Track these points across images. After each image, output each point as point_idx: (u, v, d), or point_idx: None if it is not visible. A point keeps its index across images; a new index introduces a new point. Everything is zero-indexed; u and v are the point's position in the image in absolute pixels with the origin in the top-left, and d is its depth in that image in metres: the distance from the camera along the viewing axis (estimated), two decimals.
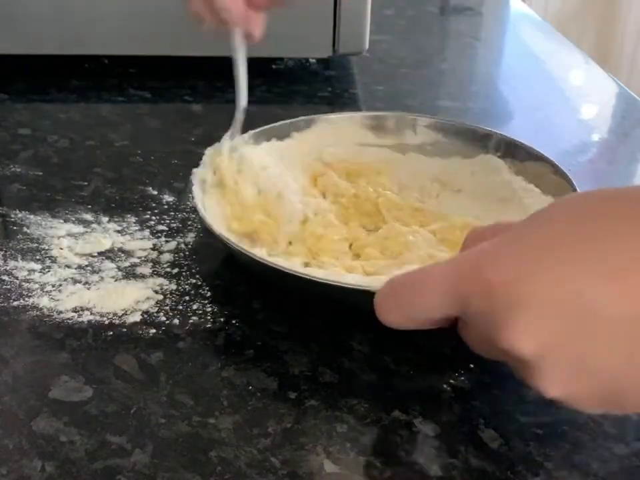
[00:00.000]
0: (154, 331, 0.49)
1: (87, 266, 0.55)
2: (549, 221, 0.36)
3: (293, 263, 0.51)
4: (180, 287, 0.53)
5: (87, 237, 0.58)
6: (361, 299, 0.46)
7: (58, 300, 0.51)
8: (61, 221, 0.60)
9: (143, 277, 0.54)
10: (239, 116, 0.60)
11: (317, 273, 0.48)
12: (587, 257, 0.34)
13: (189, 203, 0.62)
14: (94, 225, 0.60)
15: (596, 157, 0.77)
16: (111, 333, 0.49)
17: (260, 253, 0.51)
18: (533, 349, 0.34)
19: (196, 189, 0.54)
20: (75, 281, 0.53)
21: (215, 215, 0.54)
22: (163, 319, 0.50)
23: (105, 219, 0.60)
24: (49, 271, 0.54)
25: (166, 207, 0.62)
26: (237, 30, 0.57)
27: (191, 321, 0.50)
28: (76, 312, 0.50)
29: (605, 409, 0.36)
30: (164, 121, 0.79)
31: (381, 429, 0.42)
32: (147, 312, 0.50)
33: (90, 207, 0.62)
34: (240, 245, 0.50)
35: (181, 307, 0.51)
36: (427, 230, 0.56)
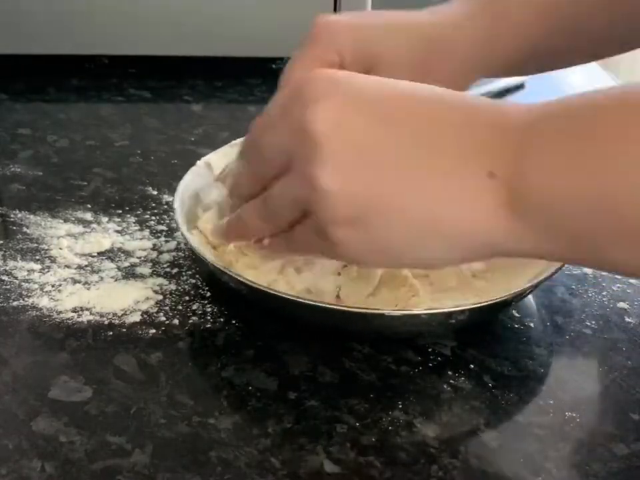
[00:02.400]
0: (154, 331, 0.49)
1: (86, 266, 0.55)
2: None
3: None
4: (180, 287, 0.53)
5: (87, 236, 0.58)
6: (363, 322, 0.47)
7: (58, 300, 0.51)
8: (61, 221, 0.60)
9: (142, 277, 0.54)
10: None
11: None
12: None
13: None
14: (94, 225, 0.59)
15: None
16: (111, 333, 0.48)
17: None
18: (326, 126, 0.37)
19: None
20: (75, 281, 0.53)
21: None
22: (163, 319, 0.50)
23: (104, 219, 0.60)
24: (48, 271, 0.54)
25: (166, 206, 0.62)
26: None
27: (191, 321, 0.50)
28: (76, 312, 0.50)
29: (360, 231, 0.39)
30: (164, 120, 0.79)
31: (380, 429, 0.42)
32: (146, 312, 0.50)
33: (90, 206, 0.62)
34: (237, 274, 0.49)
35: (180, 307, 0.51)
36: None
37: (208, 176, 0.58)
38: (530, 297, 0.53)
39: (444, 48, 0.52)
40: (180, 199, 0.54)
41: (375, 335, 0.49)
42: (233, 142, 0.60)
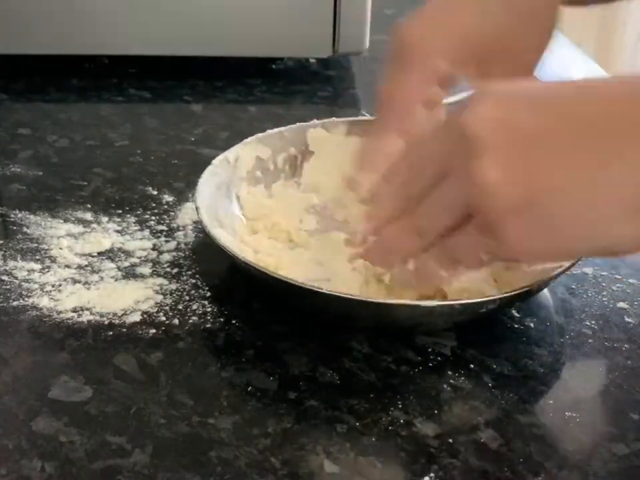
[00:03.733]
0: (154, 330, 0.49)
1: (86, 266, 0.55)
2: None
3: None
4: (180, 287, 0.53)
5: (87, 236, 0.58)
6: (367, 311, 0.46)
7: (58, 300, 0.51)
8: (61, 220, 0.60)
9: (142, 276, 0.54)
10: None
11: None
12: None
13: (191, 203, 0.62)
14: (94, 225, 0.59)
15: None
16: (111, 333, 0.48)
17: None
18: (483, 123, 0.38)
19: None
20: (75, 281, 0.53)
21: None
22: (163, 319, 0.50)
23: (104, 219, 0.60)
24: (48, 271, 0.54)
25: (166, 206, 0.62)
26: None
27: (191, 321, 0.50)
28: (76, 312, 0.50)
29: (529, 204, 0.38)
30: (164, 120, 0.79)
31: (380, 429, 0.42)
32: (146, 312, 0.50)
33: (90, 206, 0.62)
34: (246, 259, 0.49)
35: (180, 307, 0.51)
36: None
37: (228, 171, 0.59)
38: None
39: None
40: (201, 197, 0.54)
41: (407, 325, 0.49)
42: (245, 140, 0.60)
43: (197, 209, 0.53)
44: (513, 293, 0.46)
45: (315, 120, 0.61)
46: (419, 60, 0.50)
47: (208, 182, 0.56)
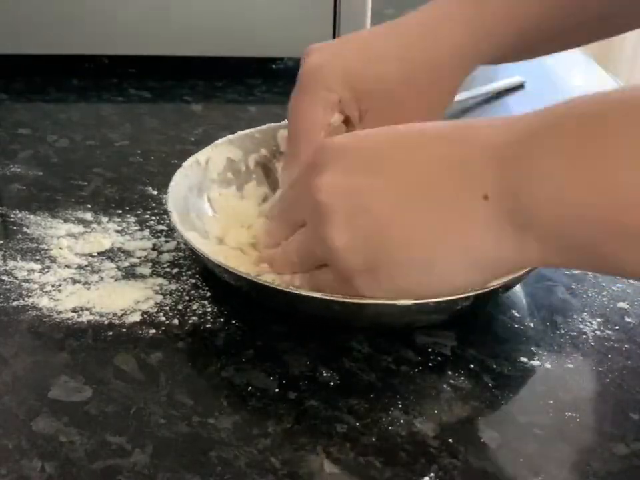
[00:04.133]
0: (154, 331, 0.49)
1: (86, 266, 0.55)
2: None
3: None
4: (180, 287, 0.53)
5: (87, 236, 0.58)
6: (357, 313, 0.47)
7: (58, 300, 0.51)
8: (61, 220, 0.60)
9: (142, 276, 0.54)
10: None
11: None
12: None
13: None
14: (94, 225, 0.59)
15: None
16: (111, 333, 0.48)
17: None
18: (329, 193, 0.43)
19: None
20: (75, 281, 0.53)
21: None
22: (163, 319, 0.50)
23: (104, 219, 0.60)
24: (48, 271, 0.54)
25: (166, 206, 0.62)
26: None
27: (191, 321, 0.50)
28: (76, 312, 0.50)
29: (369, 268, 0.43)
30: (164, 120, 0.79)
31: (380, 429, 0.42)
32: (146, 312, 0.50)
33: (90, 206, 0.62)
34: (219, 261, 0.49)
35: (180, 307, 0.51)
36: None
37: (199, 174, 0.59)
38: (530, 296, 0.53)
39: (429, 50, 0.55)
40: (173, 200, 0.54)
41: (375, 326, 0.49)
42: (216, 142, 0.61)
43: (168, 212, 0.53)
44: (484, 291, 0.45)
45: (286, 120, 0.61)
46: (314, 89, 0.54)
47: (179, 185, 0.56)
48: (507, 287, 0.48)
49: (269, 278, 0.50)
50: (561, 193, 0.37)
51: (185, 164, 0.58)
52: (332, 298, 0.45)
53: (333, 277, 0.45)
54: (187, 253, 0.56)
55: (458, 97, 0.57)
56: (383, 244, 0.42)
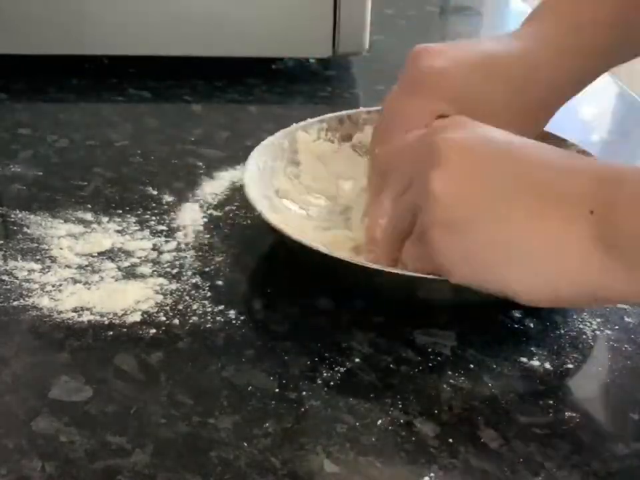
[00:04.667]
0: (154, 330, 0.49)
1: (87, 266, 0.55)
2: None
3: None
4: (180, 287, 0.53)
5: (87, 236, 0.58)
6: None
7: (58, 300, 0.51)
8: (61, 220, 0.60)
9: (143, 276, 0.54)
10: None
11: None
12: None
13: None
14: (94, 225, 0.59)
15: (596, 157, 0.76)
16: (111, 332, 0.48)
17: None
18: (449, 143, 0.44)
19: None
20: (75, 281, 0.53)
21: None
22: (163, 319, 0.50)
23: (105, 219, 0.60)
24: (48, 271, 0.54)
25: (166, 206, 0.62)
26: None
27: (191, 321, 0.50)
28: (76, 312, 0.50)
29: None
30: (164, 120, 0.79)
31: (380, 428, 0.42)
32: (146, 312, 0.50)
33: (90, 206, 0.62)
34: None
35: (180, 307, 0.51)
36: None
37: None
38: None
39: (531, 83, 0.55)
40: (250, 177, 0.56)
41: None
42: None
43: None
44: None
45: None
46: (429, 94, 0.54)
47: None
48: None
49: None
50: None
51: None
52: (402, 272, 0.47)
53: (415, 236, 0.45)
54: (187, 253, 0.56)
55: None
56: (483, 209, 0.42)
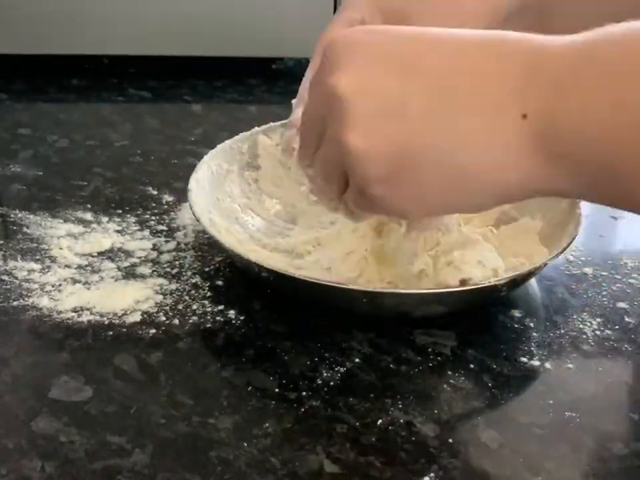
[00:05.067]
0: (154, 330, 0.49)
1: (86, 266, 0.55)
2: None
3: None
4: (180, 287, 0.53)
5: (87, 236, 0.58)
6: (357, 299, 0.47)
7: (58, 300, 0.51)
8: (61, 220, 0.60)
9: (142, 276, 0.54)
10: None
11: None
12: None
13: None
14: (94, 225, 0.59)
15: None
16: (111, 332, 0.48)
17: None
18: (349, 89, 0.38)
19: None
20: (75, 281, 0.53)
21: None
22: (163, 319, 0.50)
23: (104, 219, 0.60)
24: (48, 271, 0.54)
25: (166, 207, 0.62)
26: None
27: (191, 321, 0.50)
28: (76, 312, 0.50)
29: (392, 182, 0.39)
30: (164, 120, 0.79)
31: (380, 428, 0.42)
32: (146, 312, 0.50)
33: (90, 206, 0.62)
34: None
35: (180, 307, 0.51)
36: None
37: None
38: (530, 296, 0.53)
39: None
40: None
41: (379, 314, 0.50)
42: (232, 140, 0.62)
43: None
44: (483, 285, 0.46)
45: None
46: (340, 12, 0.52)
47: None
48: (515, 284, 0.49)
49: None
50: (584, 111, 0.36)
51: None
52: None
53: (351, 190, 0.42)
54: (187, 253, 0.56)
55: None
56: (412, 150, 0.39)
